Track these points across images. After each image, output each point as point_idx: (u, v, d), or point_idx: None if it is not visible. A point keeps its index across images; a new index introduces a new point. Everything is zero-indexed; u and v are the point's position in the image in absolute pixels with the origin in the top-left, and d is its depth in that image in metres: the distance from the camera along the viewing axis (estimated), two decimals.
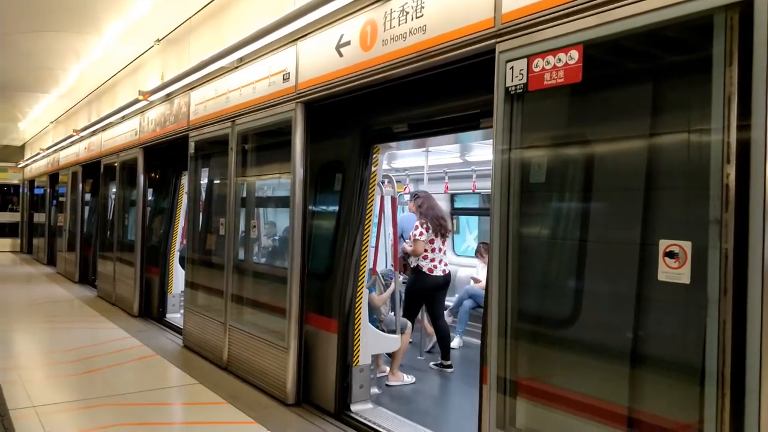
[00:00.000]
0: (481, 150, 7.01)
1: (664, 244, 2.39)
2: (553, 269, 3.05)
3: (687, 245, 2.32)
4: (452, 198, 8.74)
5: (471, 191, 7.72)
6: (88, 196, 13.18)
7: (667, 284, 2.38)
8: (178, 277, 8.55)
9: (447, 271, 6.22)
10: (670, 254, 2.36)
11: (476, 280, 7.21)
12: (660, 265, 2.40)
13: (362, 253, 4.81)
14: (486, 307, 3.22)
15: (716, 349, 2.21)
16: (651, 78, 2.61)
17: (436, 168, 7.70)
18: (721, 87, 2.26)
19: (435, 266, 6.12)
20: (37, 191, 19.40)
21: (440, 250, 6.19)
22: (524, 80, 2.95)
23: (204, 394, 5.21)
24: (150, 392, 5.24)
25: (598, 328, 2.77)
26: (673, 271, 2.35)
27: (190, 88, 7.09)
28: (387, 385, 5.57)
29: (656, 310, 2.52)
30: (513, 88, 3.00)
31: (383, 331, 5.34)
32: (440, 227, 6.14)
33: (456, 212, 8.81)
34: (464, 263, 8.45)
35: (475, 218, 9.15)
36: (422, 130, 4.42)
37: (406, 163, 8.27)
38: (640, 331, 2.56)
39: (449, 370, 6.16)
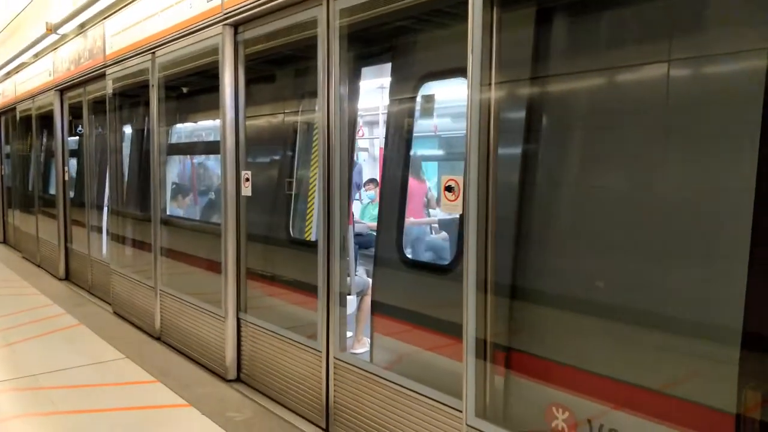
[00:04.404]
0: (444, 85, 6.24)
1: (444, 180, 2.58)
2: None
3: (460, 180, 2.54)
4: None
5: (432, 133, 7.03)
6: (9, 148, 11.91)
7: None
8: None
9: None
10: (449, 188, 2.58)
11: None
12: (441, 198, 2.63)
13: (308, 204, 4.15)
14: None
15: (474, 261, 2.44)
16: None
17: None
18: None
19: None
20: None
21: None
22: None
23: (131, 371, 4.51)
24: (67, 372, 4.50)
25: None
26: (451, 203, 2.58)
27: (104, 17, 6.09)
28: (352, 353, 4.96)
29: None
30: None
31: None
32: None
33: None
34: None
35: (434, 164, 8.48)
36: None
37: (359, 103, 7.48)
38: None
39: None
